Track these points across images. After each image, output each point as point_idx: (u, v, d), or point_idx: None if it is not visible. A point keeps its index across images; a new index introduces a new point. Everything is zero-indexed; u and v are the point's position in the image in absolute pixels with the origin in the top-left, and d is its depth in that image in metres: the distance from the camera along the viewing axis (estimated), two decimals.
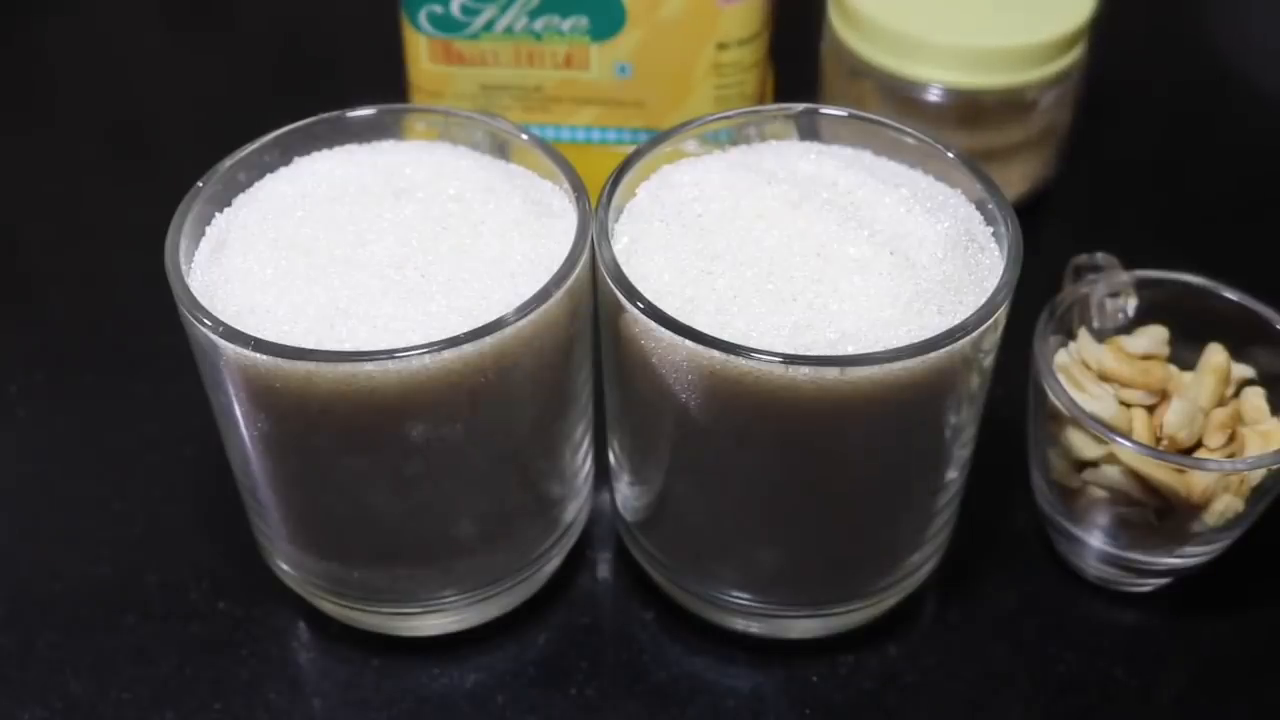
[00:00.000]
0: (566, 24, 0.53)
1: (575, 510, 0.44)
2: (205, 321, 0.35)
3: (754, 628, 0.44)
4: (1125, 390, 0.44)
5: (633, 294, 0.36)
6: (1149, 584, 0.45)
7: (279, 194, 0.40)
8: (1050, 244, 0.55)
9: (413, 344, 0.35)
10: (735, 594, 0.42)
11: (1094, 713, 0.42)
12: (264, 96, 0.71)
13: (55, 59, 0.75)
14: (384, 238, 0.38)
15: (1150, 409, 0.44)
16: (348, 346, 0.35)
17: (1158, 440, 0.43)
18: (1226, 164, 0.67)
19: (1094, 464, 0.43)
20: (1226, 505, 0.42)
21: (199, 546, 0.47)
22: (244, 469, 0.41)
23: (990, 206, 0.40)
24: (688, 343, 0.35)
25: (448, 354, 0.35)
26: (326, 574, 0.42)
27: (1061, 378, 0.43)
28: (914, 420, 0.37)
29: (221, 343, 0.35)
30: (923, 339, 0.35)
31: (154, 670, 0.43)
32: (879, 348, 0.35)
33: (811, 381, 0.35)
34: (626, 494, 0.44)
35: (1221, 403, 0.44)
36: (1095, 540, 0.44)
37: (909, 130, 0.42)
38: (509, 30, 0.53)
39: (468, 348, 0.35)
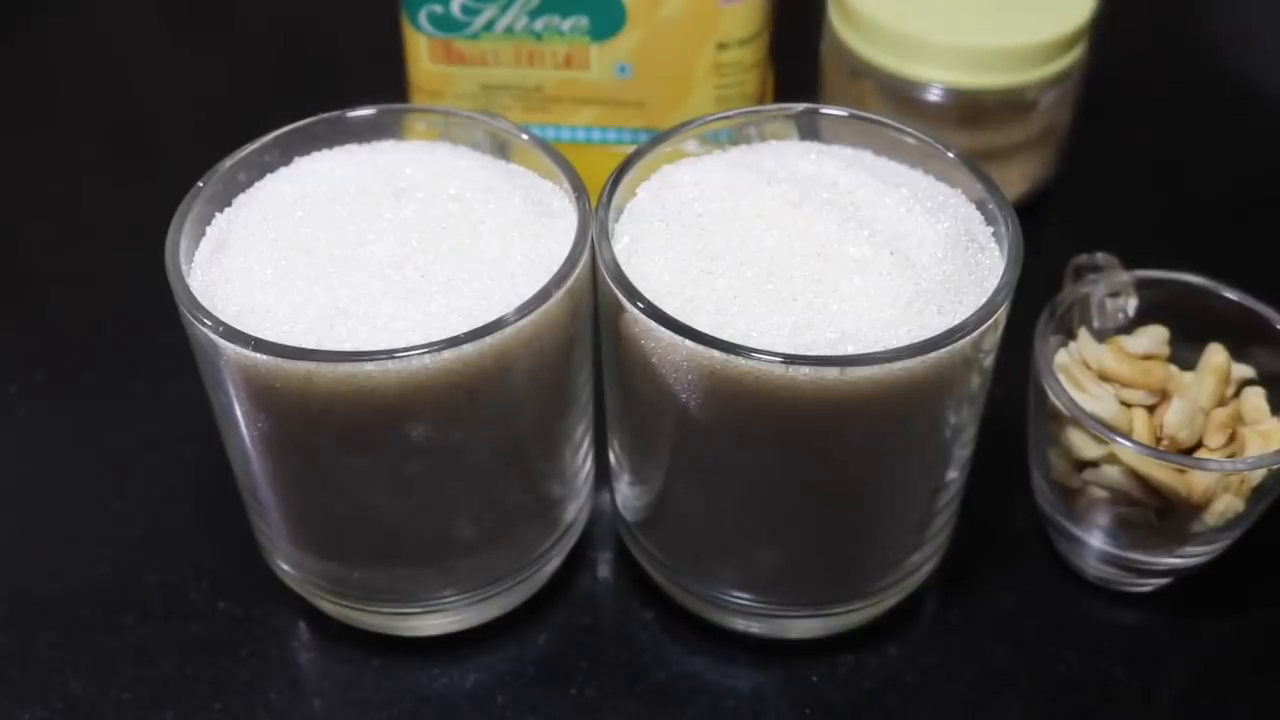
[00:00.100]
0: (567, 24, 0.53)
1: (575, 510, 0.44)
2: (205, 321, 0.35)
3: (754, 628, 0.44)
4: (1125, 390, 0.44)
5: (633, 294, 0.36)
6: (1149, 584, 0.45)
7: (279, 194, 0.40)
8: (1050, 244, 0.55)
9: (413, 344, 0.35)
10: (735, 594, 0.42)
11: (1094, 713, 0.42)
12: (264, 96, 0.71)
13: (55, 59, 0.75)
14: (384, 238, 0.38)
15: (1150, 409, 0.44)
16: (348, 346, 0.35)
17: (1158, 440, 0.43)
18: (1226, 164, 0.67)
19: (1094, 464, 0.43)
20: (1227, 505, 0.42)
21: (199, 546, 0.47)
22: (244, 469, 0.41)
23: (990, 206, 0.40)
24: (688, 343, 0.35)
25: (448, 354, 0.35)
26: (326, 574, 0.42)
27: (1062, 378, 0.43)
28: (914, 420, 0.37)
29: (222, 343, 0.35)
30: (923, 339, 0.35)
31: (154, 670, 0.43)
32: (879, 348, 0.35)
33: (811, 381, 0.35)
34: (627, 494, 0.44)
35: (1222, 403, 0.44)
36: (1095, 540, 0.44)
37: (909, 130, 0.42)
38: (509, 30, 0.53)
39: (468, 348, 0.35)
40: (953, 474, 0.41)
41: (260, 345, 0.35)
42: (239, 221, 0.39)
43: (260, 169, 0.41)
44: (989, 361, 0.38)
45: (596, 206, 0.39)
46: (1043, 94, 0.57)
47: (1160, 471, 0.41)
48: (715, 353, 0.35)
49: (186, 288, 0.37)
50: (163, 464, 0.50)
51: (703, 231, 0.38)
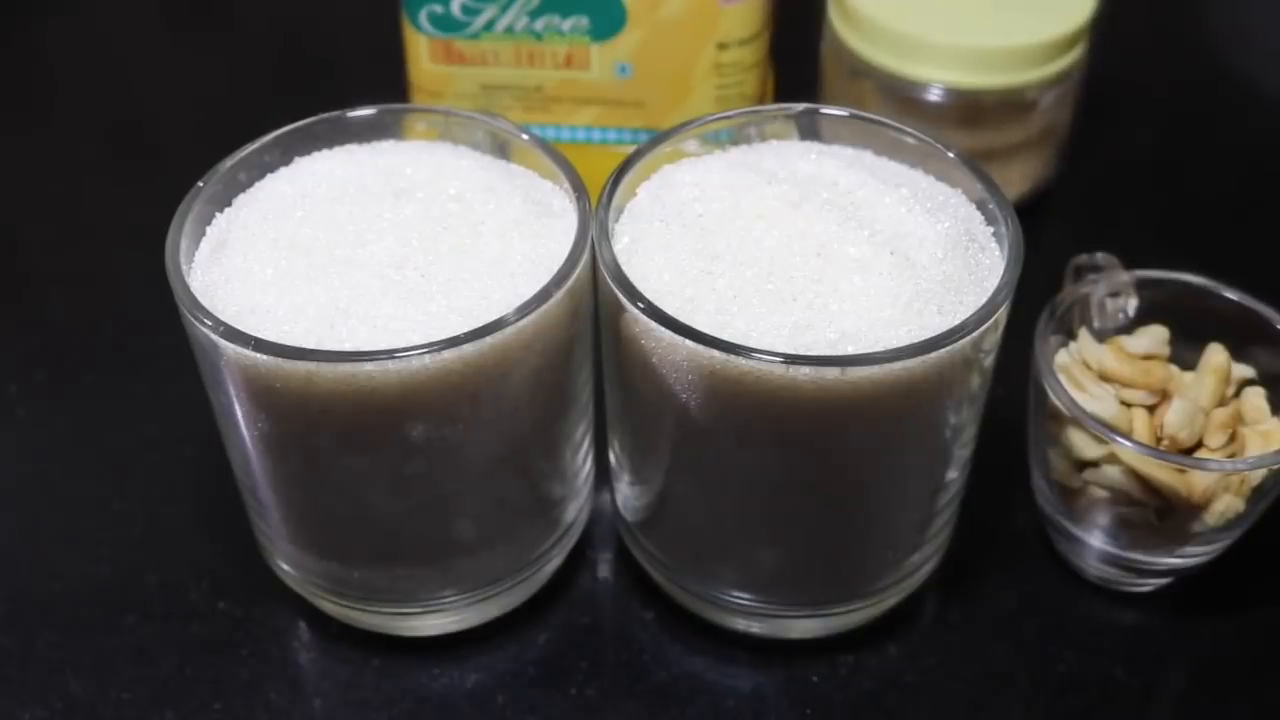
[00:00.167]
0: (567, 24, 0.53)
1: (575, 510, 0.44)
2: (206, 321, 0.35)
3: (754, 628, 0.44)
4: (1126, 390, 0.44)
5: (633, 294, 0.36)
6: (1149, 584, 0.45)
7: (279, 194, 0.40)
8: (1050, 244, 0.55)
9: (413, 344, 0.35)
10: (735, 594, 0.42)
11: (1094, 713, 0.42)
12: (264, 96, 0.71)
13: (55, 59, 0.75)
14: (384, 238, 0.38)
15: (1151, 409, 0.44)
16: (348, 346, 0.35)
17: (1158, 440, 0.43)
18: (1226, 164, 0.67)
19: (1094, 464, 0.43)
20: (1227, 505, 0.42)
21: (199, 546, 0.47)
22: (244, 469, 0.41)
23: (990, 206, 0.40)
24: (688, 343, 0.35)
25: (448, 354, 0.35)
26: (326, 574, 0.42)
27: (1062, 378, 0.43)
28: (914, 420, 0.37)
29: (222, 343, 0.35)
30: (923, 339, 0.35)
31: (154, 670, 0.43)
32: (879, 348, 0.35)
33: (812, 381, 0.35)
34: (627, 494, 0.44)
35: (1222, 403, 0.44)
36: (1095, 540, 0.44)
37: (909, 130, 0.42)
38: (509, 30, 0.53)
39: (468, 348, 0.35)
40: (953, 474, 0.41)
41: (260, 345, 0.35)
42: (239, 221, 0.39)
43: (260, 169, 0.41)
44: (989, 361, 0.38)
45: (596, 206, 0.39)
46: (1043, 94, 0.57)
47: (1160, 471, 0.41)
48: (715, 353, 0.35)
49: (187, 288, 0.37)
50: (163, 464, 0.50)
51: (703, 231, 0.38)
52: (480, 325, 0.35)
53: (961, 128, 0.56)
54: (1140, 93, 0.70)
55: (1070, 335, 0.46)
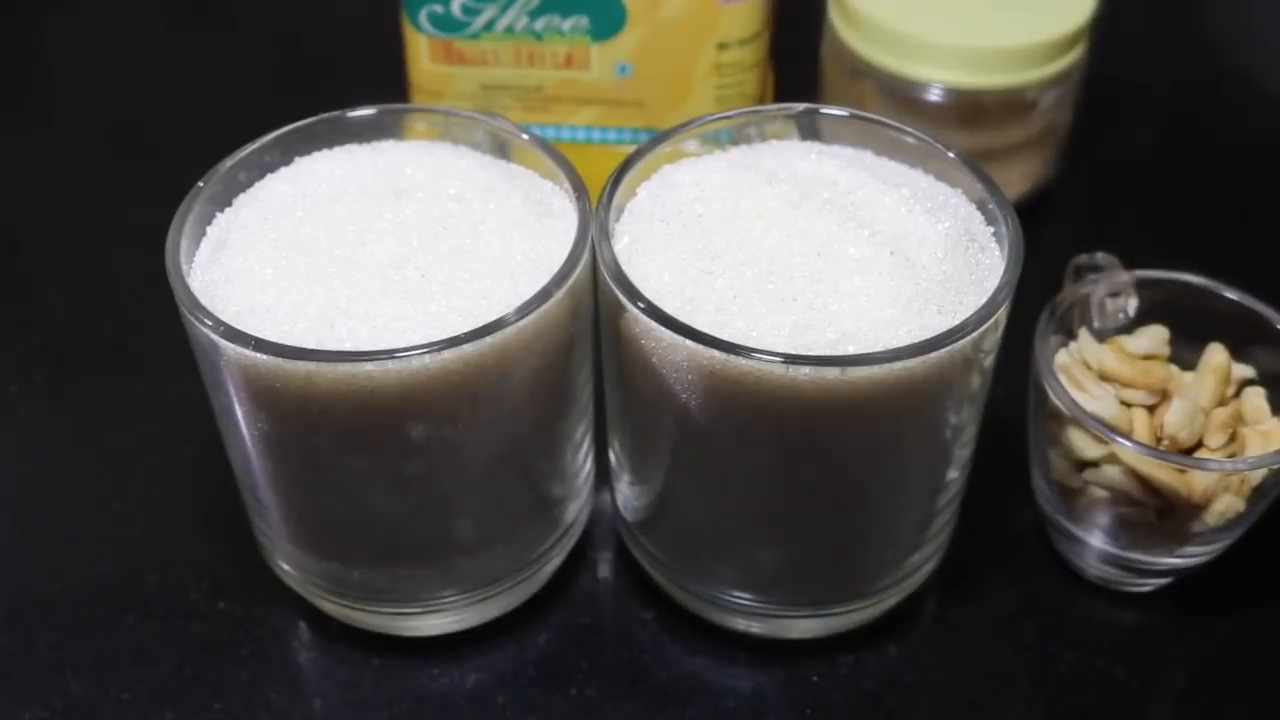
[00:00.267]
0: (567, 24, 0.53)
1: (576, 510, 0.44)
2: (206, 321, 0.35)
3: (754, 628, 0.44)
4: (1126, 390, 0.44)
5: (633, 294, 0.36)
6: (1149, 584, 0.45)
7: (279, 194, 0.40)
8: (1050, 244, 0.55)
9: (413, 344, 0.35)
10: (735, 594, 0.42)
11: (1094, 713, 0.42)
12: (264, 96, 0.71)
13: (55, 59, 0.75)
14: (384, 238, 0.38)
15: (1151, 409, 0.44)
16: (348, 346, 0.35)
17: (1158, 440, 0.43)
18: (1226, 164, 0.67)
19: (1094, 464, 0.43)
20: (1227, 505, 0.42)
21: (199, 546, 0.47)
22: (244, 469, 0.41)
23: (991, 206, 0.40)
24: (688, 343, 0.35)
25: (448, 354, 0.35)
26: (326, 574, 0.42)
27: (1062, 378, 0.43)
28: (914, 420, 0.37)
29: (222, 343, 0.35)
30: (923, 339, 0.35)
31: (154, 670, 0.43)
32: (879, 348, 0.35)
33: (812, 381, 0.35)
34: (627, 494, 0.44)
35: (1222, 403, 0.44)
36: (1095, 540, 0.44)
37: (909, 130, 0.42)
38: (509, 30, 0.53)
39: (468, 348, 0.35)
40: (953, 474, 0.41)
41: (260, 345, 0.35)
42: (239, 221, 0.39)
43: (260, 169, 0.41)
44: (989, 361, 0.38)
45: (597, 206, 0.39)
46: (1043, 94, 0.57)
47: (1160, 471, 0.41)
48: (715, 353, 0.35)
49: (187, 288, 0.37)
50: (163, 464, 0.50)
51: (703, 231, 0.38)
52: (480, 325, 0.35)
53: (961, 128, 0.56)
54: (1140, 93, 0.70)
55: (1070, 335, 0.46)
